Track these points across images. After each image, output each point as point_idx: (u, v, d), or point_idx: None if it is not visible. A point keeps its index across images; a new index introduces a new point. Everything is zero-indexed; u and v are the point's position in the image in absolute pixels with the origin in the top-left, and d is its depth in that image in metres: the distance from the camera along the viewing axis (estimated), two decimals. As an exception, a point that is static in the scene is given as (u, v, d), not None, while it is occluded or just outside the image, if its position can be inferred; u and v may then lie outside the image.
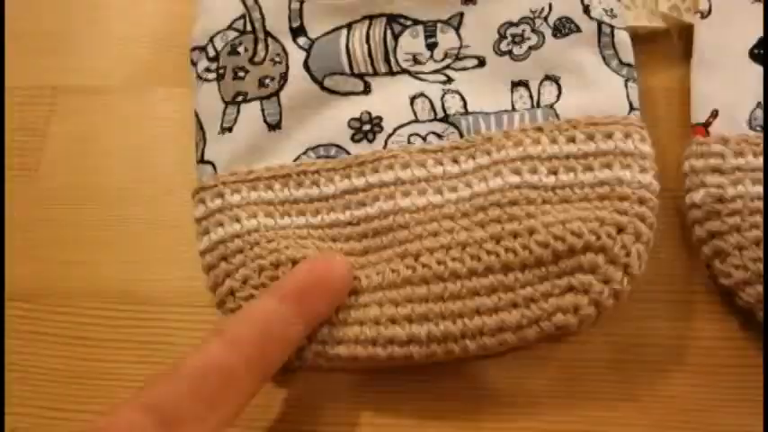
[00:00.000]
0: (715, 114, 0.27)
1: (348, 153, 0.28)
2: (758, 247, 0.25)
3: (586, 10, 0.29)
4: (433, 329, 0.24)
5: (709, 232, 0.26)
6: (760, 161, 0.26)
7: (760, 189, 0.26)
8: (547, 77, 0.28)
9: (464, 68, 0.29)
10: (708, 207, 0.26)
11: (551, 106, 0.28)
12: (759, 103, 0.27)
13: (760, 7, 0.29)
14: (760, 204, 0.26)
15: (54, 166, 0.32)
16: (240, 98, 0.29)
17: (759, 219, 0.25)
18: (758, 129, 0.27)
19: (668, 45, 0.31)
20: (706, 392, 0.26)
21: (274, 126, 0.29)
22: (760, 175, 0.26)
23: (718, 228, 0.26)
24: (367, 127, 0.29)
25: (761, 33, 0.28)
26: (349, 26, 0.30)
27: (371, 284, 0.26)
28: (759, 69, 0.28)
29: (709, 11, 0.29)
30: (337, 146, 0.29)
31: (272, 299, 0.24)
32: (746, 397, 0.26)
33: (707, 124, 0.28)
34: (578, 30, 0.28)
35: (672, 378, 0.26)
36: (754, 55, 0.28)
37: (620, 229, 0.25)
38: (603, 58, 0.28)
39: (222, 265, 0.27)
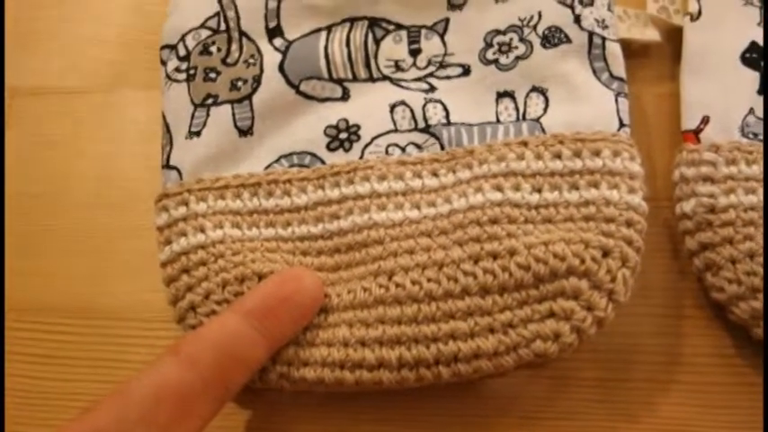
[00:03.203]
0: (706, 121, 0.27)
1: (323, 162, 0.28)
2: (752, 260, 0.24)
3: (577, 20, 0.28)
4: (405, 354, 0.24)
5: (701, 244, 0.25)
6: (753, 170, 0.26)
7: (753, 199, 0.25)
8: (534, 89, 0.28)
9: (448, 77, 0.28)
10: (699, 217, 0.25)
11: (537, 119, 0.27)
12: (752, 108, 0.27)
13: (751, 10, 0.28)
14: (754, 215, 0.25)
15: (11, 173, 0.31)
16: (210, 101, 0.28)
17: (753, 230, 0.25)
18: (751, 136, 0.27)
19: (658, 48, 0.30)
20: (697, 412, 0.25)
21: (245, 131, 0.28)
22: (753, 184, 0.25)
23: (710, 239, 0.25)
24: (344, 135, 0.28)
25: (753, 37, 0.28)
26: (329, 28, 0.29)
27: (342, 303, 0.25)
28: (751, 74, 0.28)
29: (699, 13, 0.28)
30: (312, 154, 0.28)
31: (234, 316, 0.23)
32: (739, 417, 0.25)
33: (698, 131, 0.27)
34: (568, 40, 0.28)
35: (660, 397, 0.26)
36: (746, 59, 0.28)
37: (606, 253, 0.24)
38: (594, 71, 0.27)
39: (183, 278, 0.26)
